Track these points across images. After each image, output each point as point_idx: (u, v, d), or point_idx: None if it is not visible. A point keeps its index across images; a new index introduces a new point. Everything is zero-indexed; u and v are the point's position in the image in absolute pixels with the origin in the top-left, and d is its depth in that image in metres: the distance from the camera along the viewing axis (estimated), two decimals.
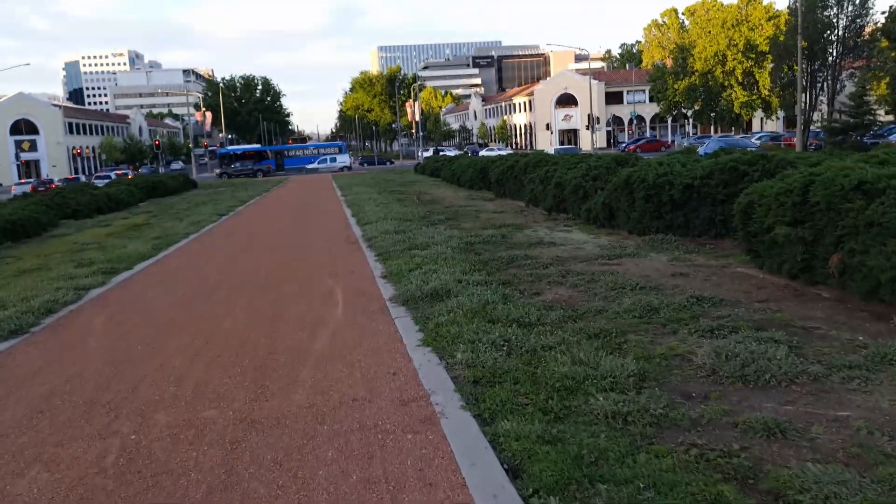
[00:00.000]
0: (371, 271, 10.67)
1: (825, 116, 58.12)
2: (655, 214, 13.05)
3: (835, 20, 54.16)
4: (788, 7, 55.34)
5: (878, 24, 53.06)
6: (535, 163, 22.94)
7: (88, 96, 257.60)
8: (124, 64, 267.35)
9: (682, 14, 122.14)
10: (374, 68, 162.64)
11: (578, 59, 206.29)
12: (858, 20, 53.45)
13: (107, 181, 51.59)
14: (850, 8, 53.20)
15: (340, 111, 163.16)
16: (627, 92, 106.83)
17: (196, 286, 10.39)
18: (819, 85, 56.64)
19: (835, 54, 54.66)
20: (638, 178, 13.40)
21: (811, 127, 55.62)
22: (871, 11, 53.20)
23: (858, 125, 46.98)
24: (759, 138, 69.45)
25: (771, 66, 79.40)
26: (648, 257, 10.80)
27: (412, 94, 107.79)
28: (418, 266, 10.20)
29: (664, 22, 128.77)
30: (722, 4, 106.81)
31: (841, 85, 56.13)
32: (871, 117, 47.90)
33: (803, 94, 55.79)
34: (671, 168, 13.14)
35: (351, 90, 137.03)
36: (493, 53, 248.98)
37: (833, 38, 54.54)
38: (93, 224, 24.44)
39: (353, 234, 16.03)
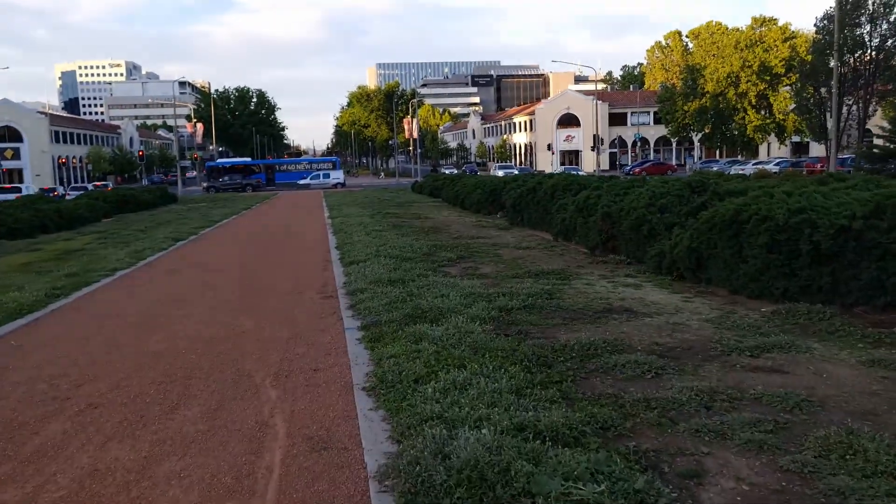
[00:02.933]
0: (348, 371, 6.23)
1: (852, 142, 54.08)
2: (784, 270, 8.67)
3: (867, 39, 50.24)
4: (815, 25, 51.32)
5: None
6: (565, 186, 18.58)
7: (84, 106, 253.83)
8: (121, 74, 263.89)
9: (686, 37, 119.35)
10: (371, 85, 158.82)
11: (578, 80, 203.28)
12: (892, 40, 49.49)
13: (80, 193, 47.62)
14: (885, 26, 49.29)
15: (336, 126, 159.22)
16: (631, 113, 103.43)
17: (27, 400, 5.86)
18: (849, 108, 52.58)
19: (866, 75, 50.63)
20: (756, 215, 9.01)
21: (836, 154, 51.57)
22: None
23: None
24: (777, 164, 65.63)
25: (786, 88, 75.91)
26: (812, 351, 6.41)
27: (410, 110, 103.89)
28: (430, 369, 5.77)
29: (667, 44, 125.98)
30: (727, 28, 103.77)
31: (873, 109, 52.20)
32: None
33: (833, 118, 51.95)
34: (810, 202, 8.76)
35: (348, 105, 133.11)
36: (493, 72, 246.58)
37: (865, 58, 50.60)
38: (24, 247, 19.97)
39: (332, 281, 11.56)
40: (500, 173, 55.89)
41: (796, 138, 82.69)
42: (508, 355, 6.18)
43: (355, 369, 6.25)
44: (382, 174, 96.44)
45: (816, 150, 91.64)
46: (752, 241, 9.03)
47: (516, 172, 51.80)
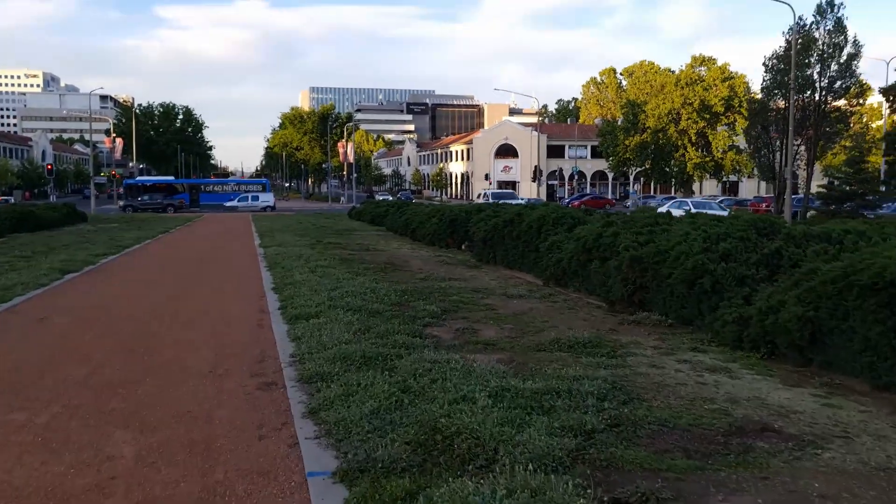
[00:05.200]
0: None
1: (800, 182, 53.33)
2: None
3: (816, 79, 49.46)
4: (764, 63, 50.44)
5: (864, 85, 48.86)
6: (556, 219, 15.39)
7: None
8: (38, 86, 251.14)
9: (621, 74, 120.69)
10: (305, 108, 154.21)
11: (513, 112, 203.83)
12: (841, 82, 48.83)
13: None
14: (834, 67, 48.65)
15: (267, 148, 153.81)
16: (569, 146, 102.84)
17: None
18: (797, 148, 51.65)
19: (815, 116, 49.74)
20: None
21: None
22: (855, 73, 48.72)
23: (855, 193, 41.87)
24: (720, 202, 64.96)
25: (724, 127, 76.09)
26: None
27: (346, 133, 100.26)
28: None
29: (602, 81, 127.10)
30: (659, 67, 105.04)
31: (820, 150, 51.50)
32: (870, 185, 42.98)
33: (781, 157, 51.21)
34: None
35: (280, 126, 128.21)
36: (428, 101, 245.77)
37: (814, 99, 49.79)
38: None
39: (272, 351, 7.86)
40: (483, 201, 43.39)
41: (732, 177, 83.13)
42: None
43: None
44: (342, 199, 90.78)
45: (745, 189, 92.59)
46: None
47: (521, 202, 38.19)
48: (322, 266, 15.86)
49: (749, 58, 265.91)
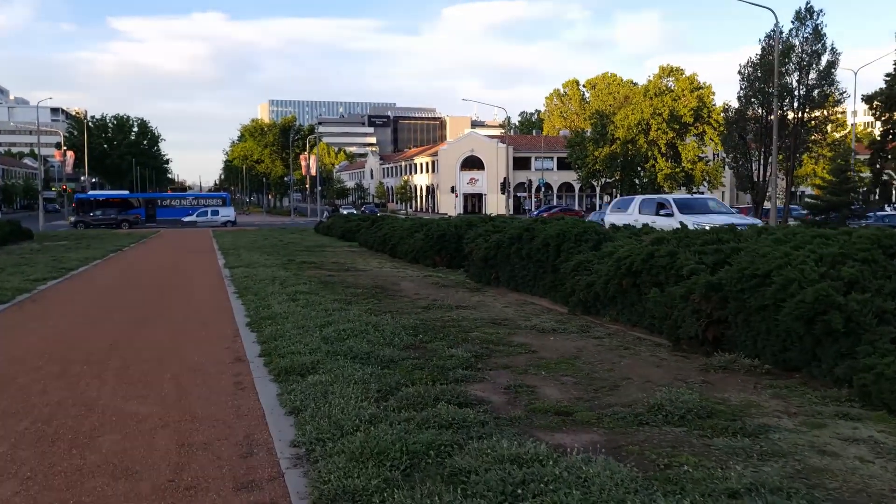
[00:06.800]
0: None
1: (779, 192, 52.25)
2: None
3: (794, 86, 48.52)
4: (739, 72, 49.45)
5: (844, 94, 48.06)
6: (578, 235, 13.19)
7: None
8: None
9: (584, 86, 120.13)
10: (265, 121, 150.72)
11: (475, 125, 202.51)
12: (819, 90, 47.96)
13: None
14: (813, 75, 47.75)
15: (226, 161, 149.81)
16: (535, 158, 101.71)
17: None
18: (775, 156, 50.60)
19: (794, 125, 48.78)
20: None
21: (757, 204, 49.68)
22: (834, 81, 47.95)
23: (842, 203, 40.76)
24: None
25: (694, 137, 75.45)
26: None
27: (308, 146, 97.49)
28: None
29: (566, 93, 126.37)
30: (622, 79, 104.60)
31: (798, 160, 50.65)
32: (856, 195, 41.92)
33: (757, 166, 50.24)
34: None
35: (240, 139, 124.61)
36: (390, 114, 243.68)
37: (793, 107, 48.86)
38: None
39: (262, 436, 5.40)
40: (623, 219, 23.58)
41: (701, 188, 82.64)
42: None
43: None
44: (323, 213, 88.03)
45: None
46: None
47: (738, 219, 21.28)
48: (302, 292, 13.43)
49: (703, 72, 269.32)
